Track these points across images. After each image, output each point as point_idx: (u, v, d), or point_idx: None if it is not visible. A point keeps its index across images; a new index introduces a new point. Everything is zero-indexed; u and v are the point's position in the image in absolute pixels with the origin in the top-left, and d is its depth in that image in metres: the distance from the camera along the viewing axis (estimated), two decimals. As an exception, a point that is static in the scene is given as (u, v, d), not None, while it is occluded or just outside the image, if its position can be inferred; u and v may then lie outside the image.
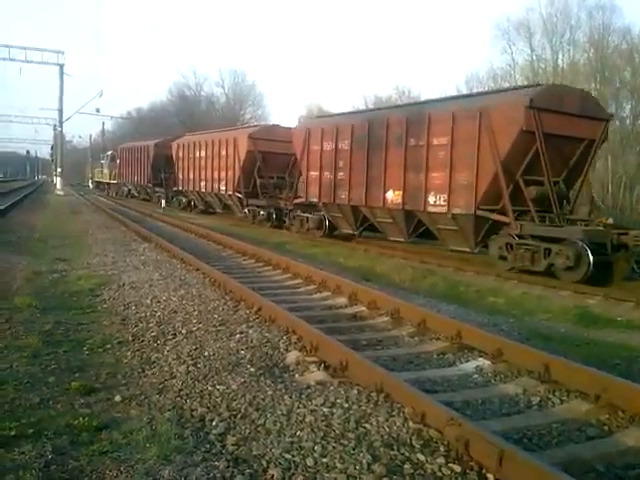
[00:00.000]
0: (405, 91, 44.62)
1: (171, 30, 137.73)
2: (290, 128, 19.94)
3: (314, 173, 16.24)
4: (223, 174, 22.29)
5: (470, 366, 5.11)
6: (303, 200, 17.17)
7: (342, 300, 7.56)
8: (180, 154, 26.41)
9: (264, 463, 3.22)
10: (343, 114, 17.75)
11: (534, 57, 33.77)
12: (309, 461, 3.22)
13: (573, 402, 4.28)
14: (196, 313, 6.47)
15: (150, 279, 8.43)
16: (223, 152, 22.19)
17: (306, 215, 17.46)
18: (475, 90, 32.04)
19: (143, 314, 6.52)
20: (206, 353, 5.10)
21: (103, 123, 68.78)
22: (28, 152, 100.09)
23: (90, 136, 78.09)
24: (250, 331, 5.75)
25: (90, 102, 48.87)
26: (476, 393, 4.47)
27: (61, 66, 41.26)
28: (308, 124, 17.91)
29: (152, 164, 32.17)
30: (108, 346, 5.42)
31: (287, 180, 20.17)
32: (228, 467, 3.18)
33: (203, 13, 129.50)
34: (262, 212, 20.03)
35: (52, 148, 52.85)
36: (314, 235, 16.98)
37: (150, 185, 33.28)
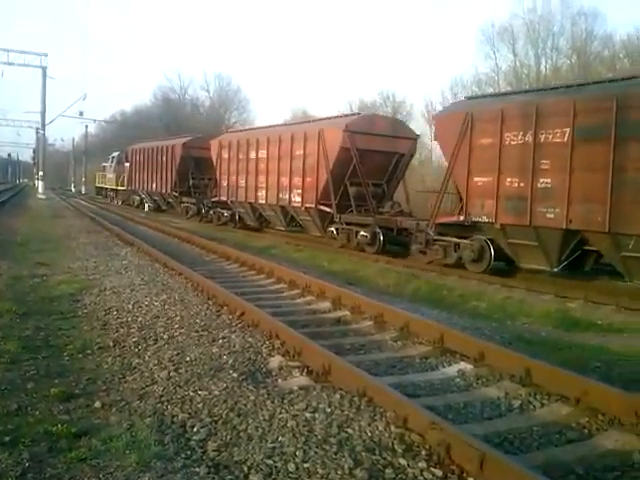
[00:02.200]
0: (390, 96, 44.70)
1: (156, 33, 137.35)
2: (392, 118, 19.31)
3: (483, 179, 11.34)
4: (298, 180, 16.57)
5: (452, 370, 5.13)
6: (455, 219, 12.00)
7: (326, 304, 7.55)
8: (224, 155, 20.79)
9: (245, 469, 3.20)
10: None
11: (517, 63, 34.11)
12: (290, 466, 3.20)
13: (554, 405, 4.31)
14: (178, 318, 6.43)
15: (132, 284, 8.36)
16: (299, 151, 16.47)
17: (461, 241, 11.91)
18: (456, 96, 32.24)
19: (124, 319, 6.46)
20: (188, 358, 5.06)
21: (86, 126, 68.30)
22: (10, 155, 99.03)
23: (73, 139, 77.56)
24: (233, 336, 5.72)
25: (73, 105, 48.56)
26: (458, 397, 4.49)
27: (44, 69, 40.87)
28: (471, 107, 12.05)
29: (178, 168, 25.60)
30: (88, 352, 5.36)
31: (385, 188, 16.12)
32: (209, 473, 3.16)
33: (188, 16, 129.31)
34: (364, 233, 14.40)
35: (34, 151, 51.52)
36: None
37: (175, 194, 26.35)
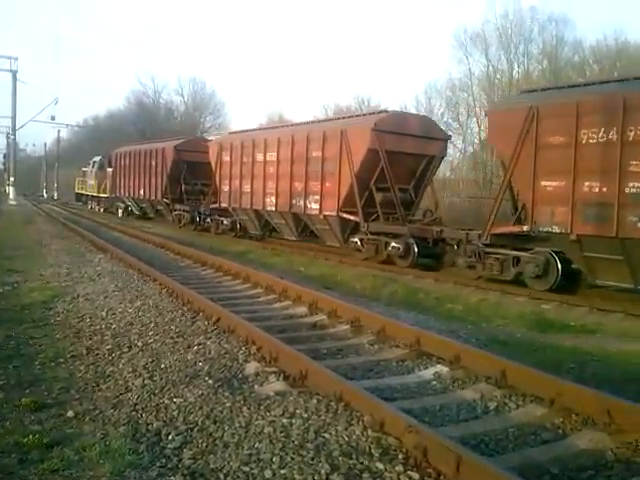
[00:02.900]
0: (365, 100, 44.92)
1: (129, 37, 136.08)
2: (424, 117, 17.20)
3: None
4: (315, 185, 14.94)
5: (429, 373, 5.15)
6: (518, 230, 10.44)
7: (302, 309, 7.54)
8: (225, 158, 18.98)
9: (221, 477, 3.17)
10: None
11: (490, 68, 34.51)
12: (267, 473, 3.18)
13: (529, 406, 4.35)
14: (153, 325, 6.36)
15: (105, 290, 8.25)
16: (316, 153, 14.85)
17: (522, 254, 10.48)
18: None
19: (98, 326, 6.37)
20: (163, 365, 5.00)
21: (59, 131, 67.44)
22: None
23: (45, 144, 76.44)
24: (208, 342, 5.67)
25: (45, 110, 47.77)
26: (434, 400, 4.50)
27: (14, 72, 40.27)
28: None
29: (169, 173, 23.64)
30: (61, 360, 5.27)
31: (412, 194, 14.51)
32: (184, 482, 3.12)
33: (161, 20, 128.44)
34: (396, 244, 12.84)
35: (4, 157, 50.43)
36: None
37: (166, 200, 24.24)
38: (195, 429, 3.76)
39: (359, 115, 15.66)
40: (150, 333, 6.05)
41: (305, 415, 3.93)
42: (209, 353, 5.34)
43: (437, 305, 9.41)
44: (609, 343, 7.12)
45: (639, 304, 8.95)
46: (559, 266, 9.83)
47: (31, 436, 3.59)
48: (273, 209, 16.71)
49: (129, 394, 4.39)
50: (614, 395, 4.19)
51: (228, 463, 3.30)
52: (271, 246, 16.90)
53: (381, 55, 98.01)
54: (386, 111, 14.95)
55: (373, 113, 15.52)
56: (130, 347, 5.59)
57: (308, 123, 17.31)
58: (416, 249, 12.55)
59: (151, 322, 6.47)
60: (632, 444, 3.69)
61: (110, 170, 31.71)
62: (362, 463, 3.29)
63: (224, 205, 19.38)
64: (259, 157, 17.26)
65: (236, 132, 21.09)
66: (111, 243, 14.21)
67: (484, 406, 4.38)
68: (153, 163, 24.99)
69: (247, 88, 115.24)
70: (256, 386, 4.55)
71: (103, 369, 5.00)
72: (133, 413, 4.04)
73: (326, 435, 3.63)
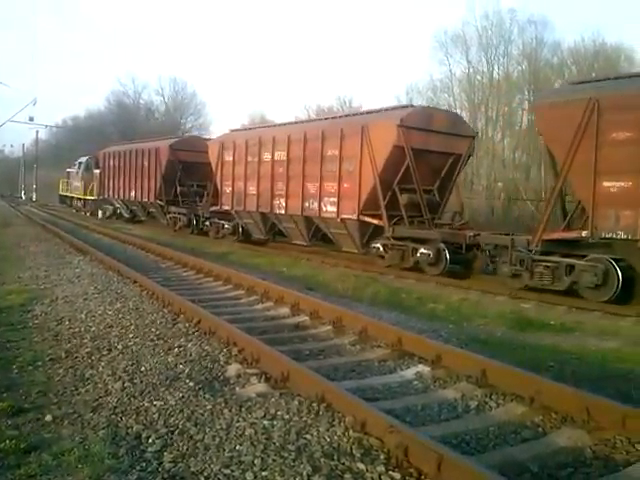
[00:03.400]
0: (347, 101, 45.07)
1: (109, 37, 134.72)
2: (451, 112, 16.13)
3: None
4: (331, 187, 13.84)
5: (410, 372, 5.16)
6: (576, 235, 9.70)
7: (284, 310, 7.52)
8: (227, 157, 17.74)
9: (202, 479, 3.15)
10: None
11: (471, 69, 34.78)
12: (248, 475, 3.16)
13: (509, 405, 4.38)
14: (133, 327, 6.30)
15: (85, 293, 8.16)
16: (332, 151, 13.73)
17: (578, 262, 9.59)
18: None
19: (77, 329, 6.29)
20: (143, 368, 4.95)
21: (37, 132, 66.48)
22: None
23: (23, 145, 75.37)
24: (189, 344, 5.63)
25: (23, 110, 47.00)
26: (416, 399, 4.52)
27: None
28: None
29: (164, 174, 22.27)
30: (39, 363, 5.19)
31: (437, 196, 13.48)
32: (165, 485, 3.09)
33: (141, 20, 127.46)
34: (426, 251, 11.86)
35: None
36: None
37: (160, 202, 22.88)
38: (176, 432, 3.73)
39: (380, 110, 14.35)
40: (130, 335, 5.99)
41: (287, 416, 3.92)
42: (190, 355, 5.30)
43: (419, 305, 9.45)
44: (588, 341, 7.21)
45: (616, 303, 9.07)
46: (619, 275, 8.95)
47: (8, 441, 3.54)
48: (282, 212, 15.48)
49: (109, 397, 4.34)
50: (593, 393, 4.24)
51: (209, 466, 3.28)
52: (252, 247, 16.81)
53: (363, 56, 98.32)
54: (412, 105, 14.12)
55: (396, 108, 14.40)
56: (110, 350, 5.53)
57: (323, 119, 16.01)
58: (447, 255, 11.57)
59: (131, 324, 6.40)
60: (610, 441, 3.75)
61: (97, 171, 30.34)
62: (344, 464, 3.29)
63: (226, 208, 17.99)
64: (266, 156, 16.02)
65: (239, 130, 19.69)
66: (91, 245, 14.04)
67: (465, 405, 4.41)
68: (146, 163, 23.64)
69: (228, 89, 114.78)
70: (237, 388, 4.52)
71: (82, 372, 4.94)
72: (113, 416, 3.99)
73: (308, 436, 3.62)
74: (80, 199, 35.57)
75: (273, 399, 4.25)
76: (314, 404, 4.09)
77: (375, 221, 12.93)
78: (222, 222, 18.85)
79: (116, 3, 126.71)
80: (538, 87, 30.94)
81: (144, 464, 3.33)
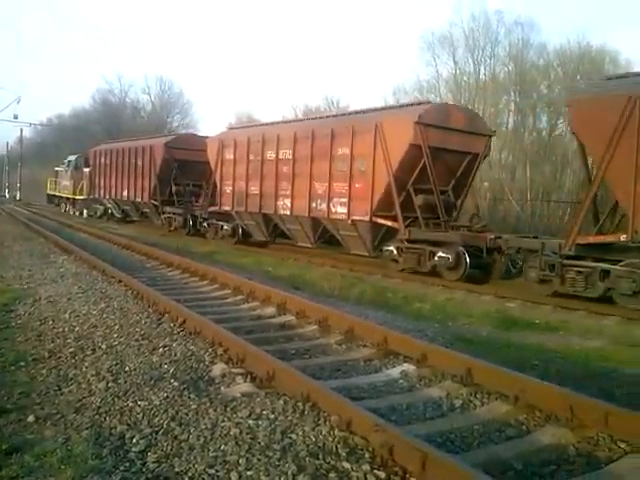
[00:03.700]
0: (334, 101, 45.06)
1: (95, 34, 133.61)
2: (469, 109, 15.09)
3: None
4: (341, 187, 13.25)
5: (396, 371, 5.17)
6: (614, 239, 9.33)
7: (271, 310, 7.50)
8: (228, 156, 17.08)
9: (187, 479, 3.13)
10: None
11: (457, 70, 34.91)
12: (233, 475, 3.15)
13: (494, 404, 4.40)
14: (117, 327, 6.25)
15: (69, 292, 8.08)
16: (343, 150, 13.17)
17: (613, 267, 9.15)
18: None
19: (61, 329, 6.23)
20: (127, 368, 4.91)
21: (21, 130, 65.77)
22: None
23: (7, 144, 74.58)
24: (174, 344, 5.59)
25: (7, 108, 46.46)
26: (401, 398, 4.53)
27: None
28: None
29: (159, 173, 21.59)
30: (22, 364, 5.13)
31: (452, 196, 13.03)
32: (148, 486, 3.07)
33: (128, 18, 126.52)
34: (444, 254, 11.25)
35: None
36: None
37: (154, 202, 22.22)
38: (160, 432, 3.70)
39: (394, 107, 14.09)
40: (114, 335, 5.94)
41: (272, 416, 3.91)
42: (175, 355, 5.27)
43: (405, 304, 9.48)
44: (572, 340, 7.29)
45: (601, 303, 9.15)
46: None
47: (-11, 442, 3.50)
48: (287, 213, 14.84)
49: (92, 397, 4.30)
50: (576, 391, 4.28)
51: (193, 466, 3.26)
52: (240, 246, 16.75)
53: (350, 56, 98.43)
54: (428, 102, 13.58)
55: (411, 104, 14.04)
56: (94, 350, 5.48)
57: (331, 116, 15.39)
58: (468, 259, 11.05)
59: (115, 324, 6.35)
60: (593, 439, 3.78)
61: (87, 170, 29.56)
62: (329, 463, 3.29)
63: (226, 208, 17.29)
64: (270, 155, 15.34)
65: (240, 127, 18.79)
66: (75, 244, 13.92)
67: (450, 404, 4.43)
68: (139, 162, 22.88)
69: (215, 88, 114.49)
70: (222, 388, 4.50)
71: (66, 372, 4.89)
72: (96, 417, 3.96)
73: (293, 436, 3.61)
74: (69, 198, 34.44)
75: (258, 399, 4.23)
76: (299, 403, 4.08)
77: (389, 223, 12.39)
78: (221, 223, 18.15)
79: (103, 1, 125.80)
80: (524, 88, 31.19)
81: (128, 464, 3.30)
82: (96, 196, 27.84)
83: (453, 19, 41.49)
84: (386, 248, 12.52)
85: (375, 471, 3.21)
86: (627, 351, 6.77)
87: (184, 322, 6.31)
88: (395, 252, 12.32)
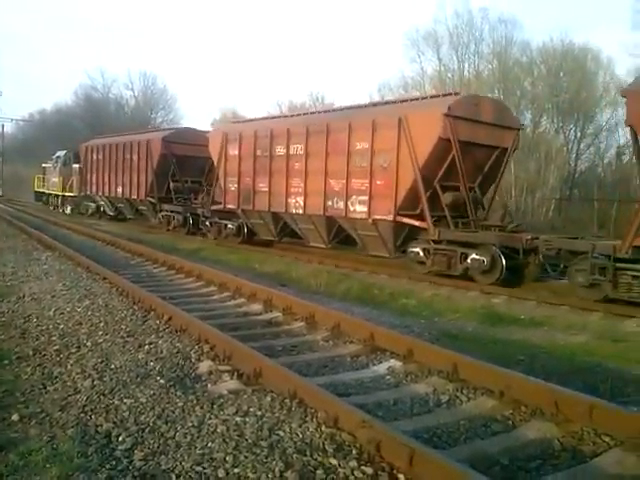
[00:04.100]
0: (319, 97, 45.11)
1: (77, 29, 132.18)
2: (498, 101, 13.97)
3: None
4: (361, 184, 12.32)
5: (382, 368, 5.19)
6: None
7: (257, 307, 7.49)
8: (232, 151, 16.07)
9: (173, 477, 3.12)
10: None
11: (442, 67, 35.07)
12: (220, 472, 3.14)
13: (480, 399, 4.43)
14: (102, 324, 6.20)
15: (53, 290, 8.01)
16: (362, 144, 12.27)
17: None
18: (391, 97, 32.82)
19: (45, 327, 6.17)
20: (113, 366, 4.88)
21: (2, 126, 64.92)
22: None
23: (-12, 140, 73.56)
24: (160, 341, 5.57)
25: (-12, 103, 45.71)
26: (388, 394, 4.54)
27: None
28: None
29: (156, 169, 20.41)
30: (5, 362, 5.08)
31: (478, 194, 12.17)
32: (135, 484, 3.06)
33: (112, 13, 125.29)
34: (479, 257, 10.41)
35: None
36: None
37: (150, 200, 21.02)
38: (146, 430, 3.68)
39: (418, 98, 13.16)
40: (99, 333, 5.89)
41: (259, 413, 3.90)
42: (161, 352, 5.25)
43: (391, 300, 9.51)
44: (557, 335, 7.35)
45: (584, 298, 9.24)
46: None
47: (-27, 442, 3.46)
48: (300, 212, 13.83)
49: (78, 395, 4.27)
50: (561, 386, 4.32)
51: (180, 463, 3.25)
52: (226, 243, 16.69)
53: (335, 53, 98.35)
54: (456, 93, 12.59)
55: (438, 96, 13.17)
56: (79, 347, 5.44)
57: (347, 108, 14.21)
58: (504, 262, 10.27)
59: (100, 321, 6.31)
60: (578, 433, 3.82)
61: (77, 166, 28.26)
62: (316, 459, 3.29)
63: (231, 207, 16.21)
64: (279, 150, 14.31)
65: (245, 120, 17.81)
66: (59, 241, 13.79)
67: (436, 400, 4.45)
68: (135, 157, 21.62)
69: (199, 84, 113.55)
70: (209, 385, 4.49)
71: (50, 370, 4.85)
72: (82, 415, 3.93)
73: (280, 432, 3.61)
74: (58, 196, 32.43)
75: (245, 396, 4.23)
76: (287, 400, 4.08)
77: (416, 222, 11.53)
78: (224, 222, 17.06)
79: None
80: (508, 85, 31.39)
81: (114, 462, 3.28)
82: (88, 193, 26.55)
83: (437, 16, 41.67)
84: (411, 249, 11.65)
85: (362, 467, 3.22)
86: (611, 346, 6.85)
87: (170, 319, 6.28)
88: (421, 254, 11.47)
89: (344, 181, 12.57)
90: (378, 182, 11.90)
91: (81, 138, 31.13)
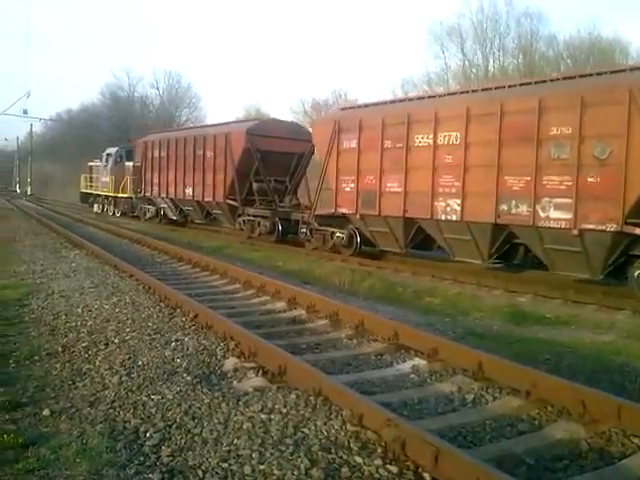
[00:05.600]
0: (342, 94, 45.02)
1: (103, 29, 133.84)
2: None
3: None
4: (559, 182, 9.40)
5: (407, 366, 5.18)
6: None
7: (281, 304, 7.53)
8: (348, 144, 13.21)
9: (200, 473, 3.15)
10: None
11: (466, 62, 34.77)
12: (246, 469, 3.17)
13: (505, 398, 4.40)
14: (129, 321, 6.29)
15: (81, 287, 8.15)
16: (559, 129, 9.40)
17: None
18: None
19: (73, 324, 6.28)
20: (140, 362, 4.95)
21: (31, 125, 66.14)
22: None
23: (17, 138, 75.06)
24: (186, 339, 5.63)
25: (17, 103, 46.69)
26: (413, 393, 4.53)
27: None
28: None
29: (238, 167, 17.18)
30: (36, 358, 5.18)
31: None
32: (163, 479, 3.10)
33: (137, 12, 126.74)
34: None
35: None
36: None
37: (231, 202, 17.72)
38: (173, 426, 3.73)
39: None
40: (127, 329, 5.98)
41: (284, 410, 3.93)
42: (187, 349, 5.31)
43: (415, 298, 9.48)
44: (583, 334, 7.25)
45: (612, 296, 9.10)
46: None
47: (6, 436, 3.53)
48: (453, 218, 10.95)
49: (106, 392, 4.34)
50: (588, 386, 4.27)
51: (207, 460, 3.29)
52: (249, 241, 16.77)
53: (358, 49, 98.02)
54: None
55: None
56: (107, 344, 5.53)
57: (533, 83, 10.72)
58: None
59: (128, 318, 6.40)
60: (605, 434, 3.77)
61: (130, 164, 25.78)
62: (341, 457, 3.31)
63: (344, 211, 13.40)
64: (421, 140, 11.54)
65: (362, 105, 14.54)
66: (86, 239, 14.02)
67: (461, 398, 4.43)
68: (209, 153, 18.48)
69: (223, 82, 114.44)
70: (235, 382, 4.53)
71: (79, 367, 4.94)
72: (110, 411, 3.99)
73: (305, 430, 3.63)
74: (109, 197, 29.40)
75: (270, 393, 4.26)
76: (311, 398, 4.10)
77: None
78: (331, 229, 14.33)
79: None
80: (534, 80, 30.93)
81: (142, 458, 3.33)
82: (147, 194, 23.02)
83: (461, 10, 41.29)
84: None
85: (387, 466, 3.22)
86: (639, 345, 6.74)
87: (196, 316, 6.35)
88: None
89: (529, 178, 9.69)
90: (590, 179, 9.05)
91: (108, 138, 31.09)
